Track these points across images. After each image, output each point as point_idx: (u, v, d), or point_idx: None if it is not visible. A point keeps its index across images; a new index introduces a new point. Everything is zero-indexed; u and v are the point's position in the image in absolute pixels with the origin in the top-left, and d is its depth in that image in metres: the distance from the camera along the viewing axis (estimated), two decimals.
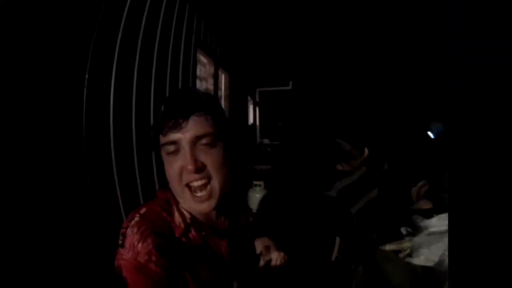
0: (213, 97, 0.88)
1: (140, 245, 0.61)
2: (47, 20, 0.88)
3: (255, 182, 2.66)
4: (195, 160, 0.63)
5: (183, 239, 0.67)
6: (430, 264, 1.13)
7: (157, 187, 1.56)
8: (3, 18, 0.75)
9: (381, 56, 3.73)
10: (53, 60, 0.92)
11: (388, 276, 1.17)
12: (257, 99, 6.30)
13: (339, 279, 1.38)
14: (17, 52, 0.79)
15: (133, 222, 0.64)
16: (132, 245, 0.61)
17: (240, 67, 4.27)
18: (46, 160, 0.89)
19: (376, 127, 2.88)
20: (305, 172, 2.60)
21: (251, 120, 5.88)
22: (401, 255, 1.24)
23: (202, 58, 2.86)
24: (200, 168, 0.64)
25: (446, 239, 1.12)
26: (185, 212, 0.70)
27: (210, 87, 3.02)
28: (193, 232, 0.69)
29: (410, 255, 1.21)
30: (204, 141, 0.65)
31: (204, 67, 2.94)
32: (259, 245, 0.83)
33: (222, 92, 3.56)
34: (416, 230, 1.29)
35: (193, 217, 0.70)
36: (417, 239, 1.22)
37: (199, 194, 0.66)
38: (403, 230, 1.36)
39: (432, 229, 1.22)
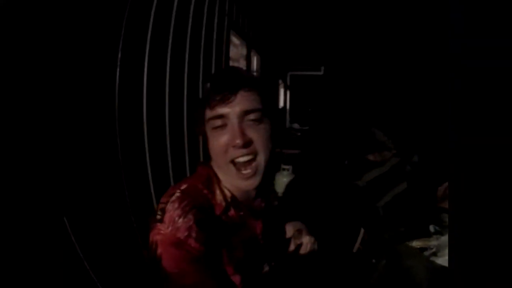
0: (258, 75, 0.89)
1: (181, 220, 0.60)
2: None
3: (283, 166, 2.66)
4: (243, 134, 0.63)
5: (223, 217, 0.67)
6: None
7: (187, 171, 1.62)
8: None
9: (421, 46, 3.49)
10: (87, 39, 0.94)
11: (409, 272, 1.15)
12: (288, 83, 6.20)
13: (358, 270, 1.38)
14: (50, 30, 0.81)
15: (174, 197, 0.63)
16: (172, 220, 0.60)
17: (272, 50, 4.19)
18: (78, 139, 0.92)
19: (409, 118, 2.74)
20: (333, 159, 2.55)
21: (281, 104, 5.82)
22: (426, 253, 1.21)
23: (235, 39, 2.84)
24: (247, 143, 0.63)
25: None
26: (226, 191, 0.69)
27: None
28: (232, 211, 0.69)
29: (435, 254, 1.18)
30: (252, 116, 0.64)
31: (236, 48, 2.92)
32: (290, 229, 0.82)
33: (254, 74, 3.54)
34: (444, 229, 1.24)
35: (233, 196, 0.69)
36: (445, 239, 1.18)
37: (244, 171, 0.65)
38: (431, 228, 1.31)
39: None
